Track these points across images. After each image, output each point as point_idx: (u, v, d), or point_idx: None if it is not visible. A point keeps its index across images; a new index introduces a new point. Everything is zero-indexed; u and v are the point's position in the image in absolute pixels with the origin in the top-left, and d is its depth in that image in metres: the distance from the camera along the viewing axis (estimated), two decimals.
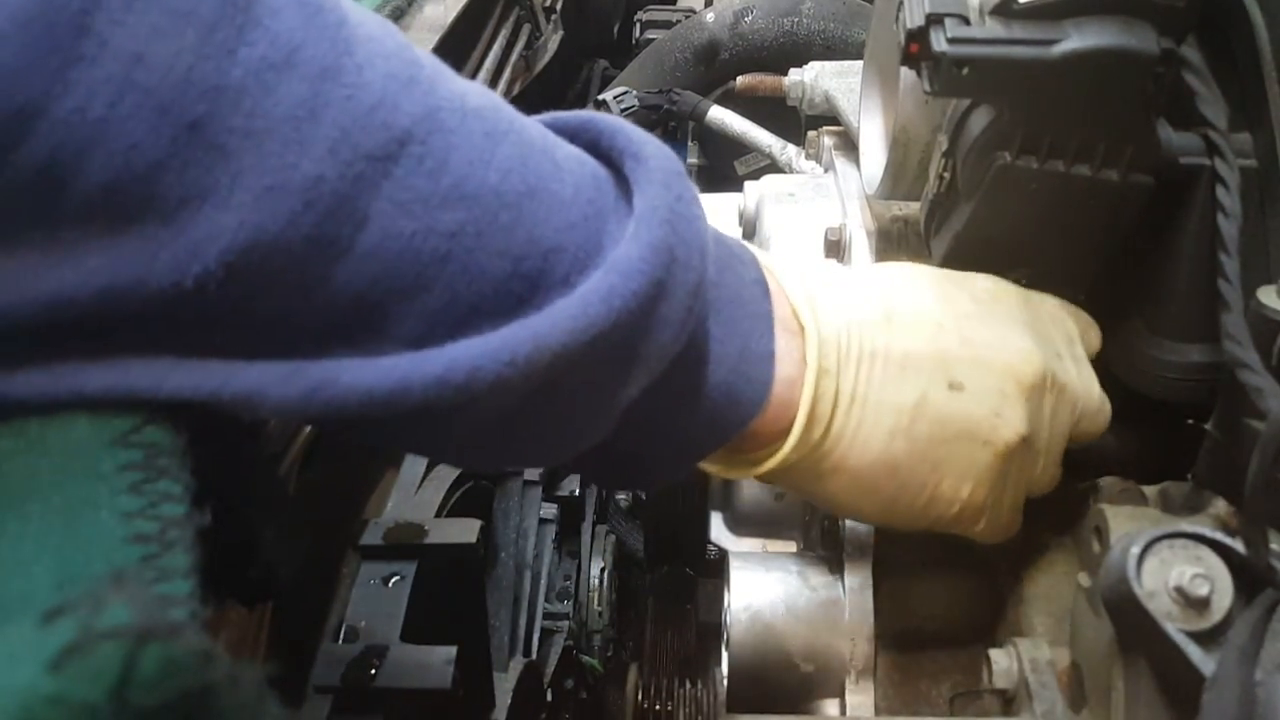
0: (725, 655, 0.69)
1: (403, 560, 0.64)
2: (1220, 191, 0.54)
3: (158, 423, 0.36)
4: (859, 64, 0.80)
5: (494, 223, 0.40)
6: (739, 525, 0.81)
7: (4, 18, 0.30)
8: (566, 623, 0.99)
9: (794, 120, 1.07)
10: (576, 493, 1.07)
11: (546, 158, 0.43)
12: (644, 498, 1.09)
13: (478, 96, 0.42)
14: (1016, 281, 0.61)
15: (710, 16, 1.32)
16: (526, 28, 1.33)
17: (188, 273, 0.34)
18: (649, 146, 0.46)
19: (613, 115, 0.48)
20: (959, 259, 0.62)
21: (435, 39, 0.93)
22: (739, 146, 1.22)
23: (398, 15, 0.92)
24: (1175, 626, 0.47)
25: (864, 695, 0.65)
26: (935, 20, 0.52)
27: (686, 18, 1.41)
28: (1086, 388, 0.60)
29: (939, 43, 0.52)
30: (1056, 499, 0.64)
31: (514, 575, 0.86)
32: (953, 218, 0.62)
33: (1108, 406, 0.61)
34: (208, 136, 0.34)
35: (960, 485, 0.56)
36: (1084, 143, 0.55)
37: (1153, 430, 0.66)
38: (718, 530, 0.83)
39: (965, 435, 0.55)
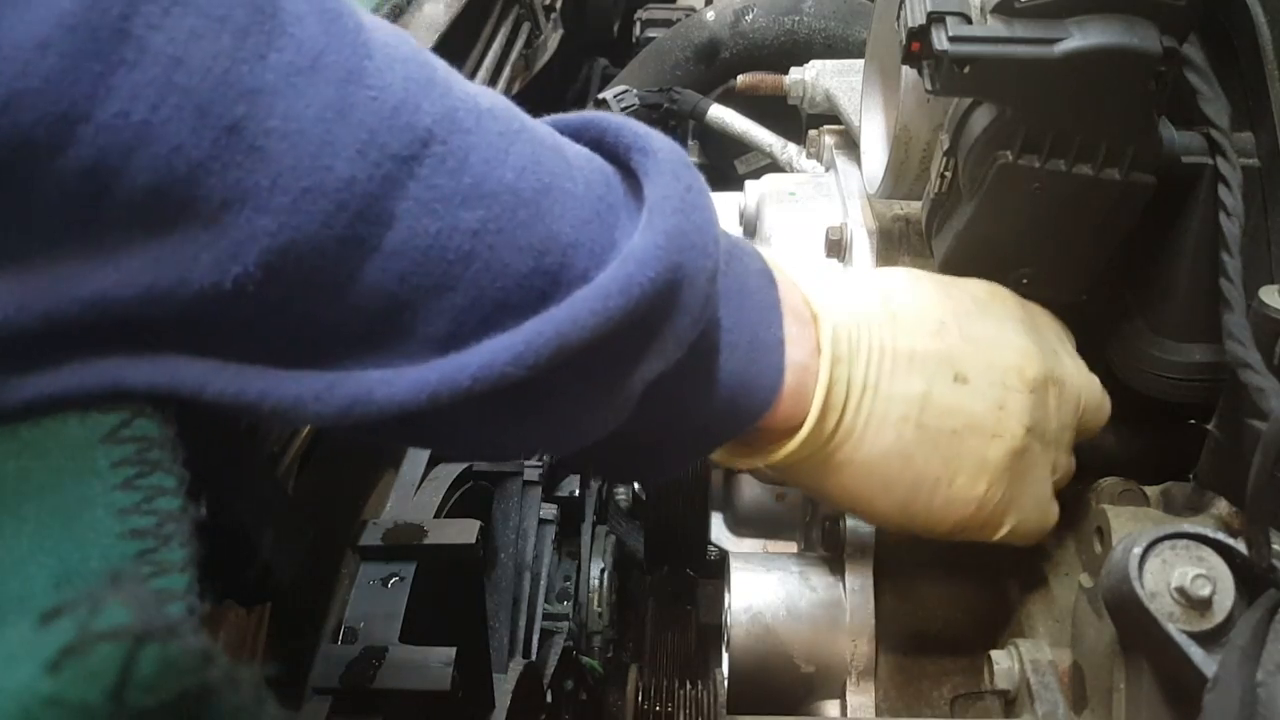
0: (726, 656, 0.69)
1: (402, 561, 0.64)
2: (1222, 191, 0.54)
3: (147, 415, 0.36)
4: (860, 63, 0.80)
5: (513, 219, 0.41)
6: (739, 526, 0.81)
7: (47, 24, 0.30)
8: (566, 624, 0.98)
9: (795, 119, 1.07)
10: (576, 493, 1.07)
11: (558, 155, 0.44)
12: (644, 498, 1.09)
13: (489, 97, 0.43)
14: (1018, 281, 0.61)
15: (711, 15, 1.32)
16: (526, 26, 1.33)
17: (227, 274, 0.35)
18: (655, 140, 0.46)
19: (614, 114, 0.49)
20: (960, 258, 0.62)
21: (435, 38, 0.92)
22: (739, 145, 1.21)
23: (397, 14, 0.92)
24: (1177, 627, 0.47)
25: (865, 696, 0.65)
26: (937, 19, 0.52)
27: (687, 16, 1.41)
28: (1087, 381, 0.61)
29: (940, 41, 0.52)
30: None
31: (513, 576, 0.86)
32: (954, 217, 0.62)
33: (1108, 399, 0.62)
34: (246, 139, 0.34)
35: (975, 482, 0.57)
36: (1086, 142, 0.54)
37: (1154, 431, 0.66)
38: (718, 531, 0.83)
39: (973, 428, 0.56)
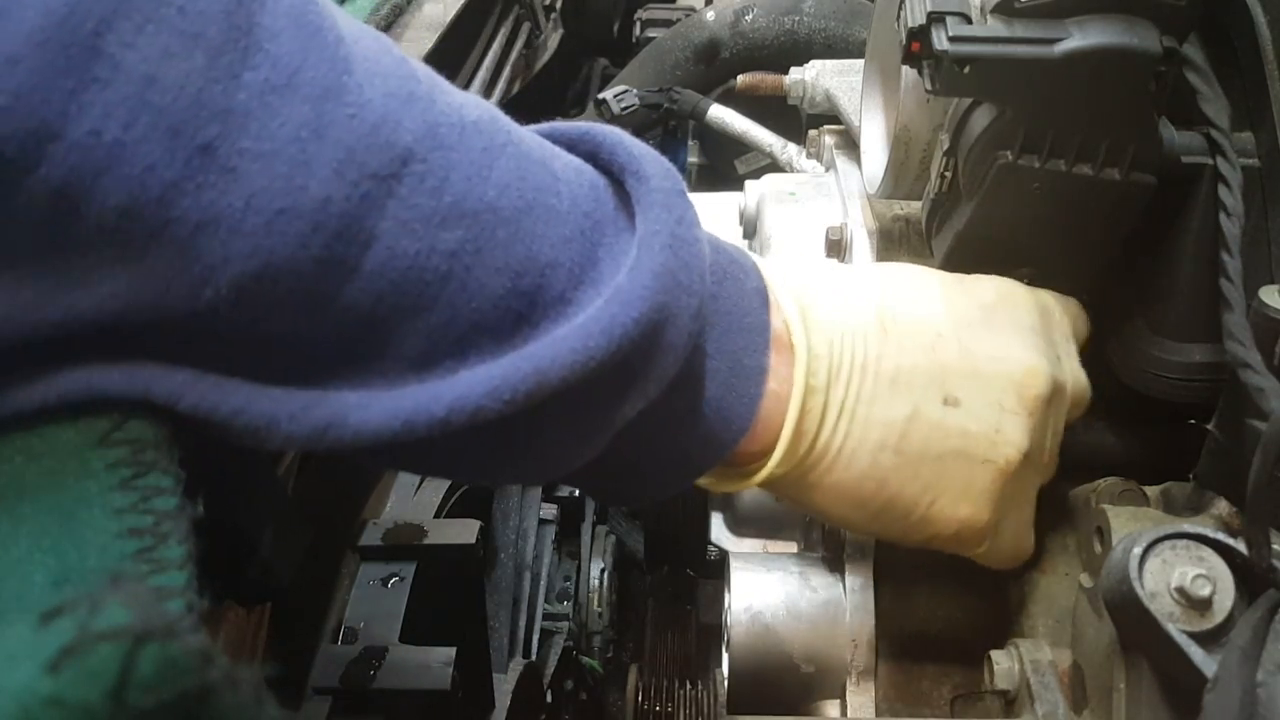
0: (726, 656, 0.69)
1: (402, 561, 0.64)
2: (1222, 191, 0.54)
3: (139, 417, 0.36)
4: (860, 62, 0.80)
5: (492, 240, 0.40)
6: (739, 526, 0.81)
7: (17, 40, 0.29)
8: (566, 624, 0.98)
9: (795, 119, 1.07)
10: (576, 494, 1.07)
11: (544, 170, 0.43)
12: None
13: (474, 109, 0.42)
14: (1018, 281, 0.61)
15: (710, 15, 1.32)
16: (526, 26, 1.33)
17: (200, 297, 0.34)
18: (649, 164, 0.45)
19: (612, 127, 0.48)
20: (960, 258, 0.62)
21: (434, 38, 0.92)
22: (739, 145, 1.21)
23: (397, 14, 0.92)
24: (1177, 627, 0.47)
25: (865, 696, 0.65)
26: (937, 19, 0.52)
27: (687, 16, 1.41)
28: (1076, 379, 0.59)
29: (940, 41, 0.52)
30: (1057, 499, 0.64)
31: (513, 576, 0.86)
32: (954, 217, 0.62)
33: (1089, 394, 0.60)
34: (219, 159, 0.33)
35: (957, 504, 0.55)
36: (1086, 142, 0.54)
37: (1154, 430, 0.66)
38: (718, 531, 0.83)
39: (960, 453, 0.54)
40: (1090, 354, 0.63)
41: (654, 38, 1.42)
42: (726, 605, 0.69)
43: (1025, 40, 0.51)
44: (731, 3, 1.31)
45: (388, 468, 0.74)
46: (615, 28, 1.76)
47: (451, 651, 0.58)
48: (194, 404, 0.37)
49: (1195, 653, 0.46)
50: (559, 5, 1.47)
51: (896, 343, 0.54)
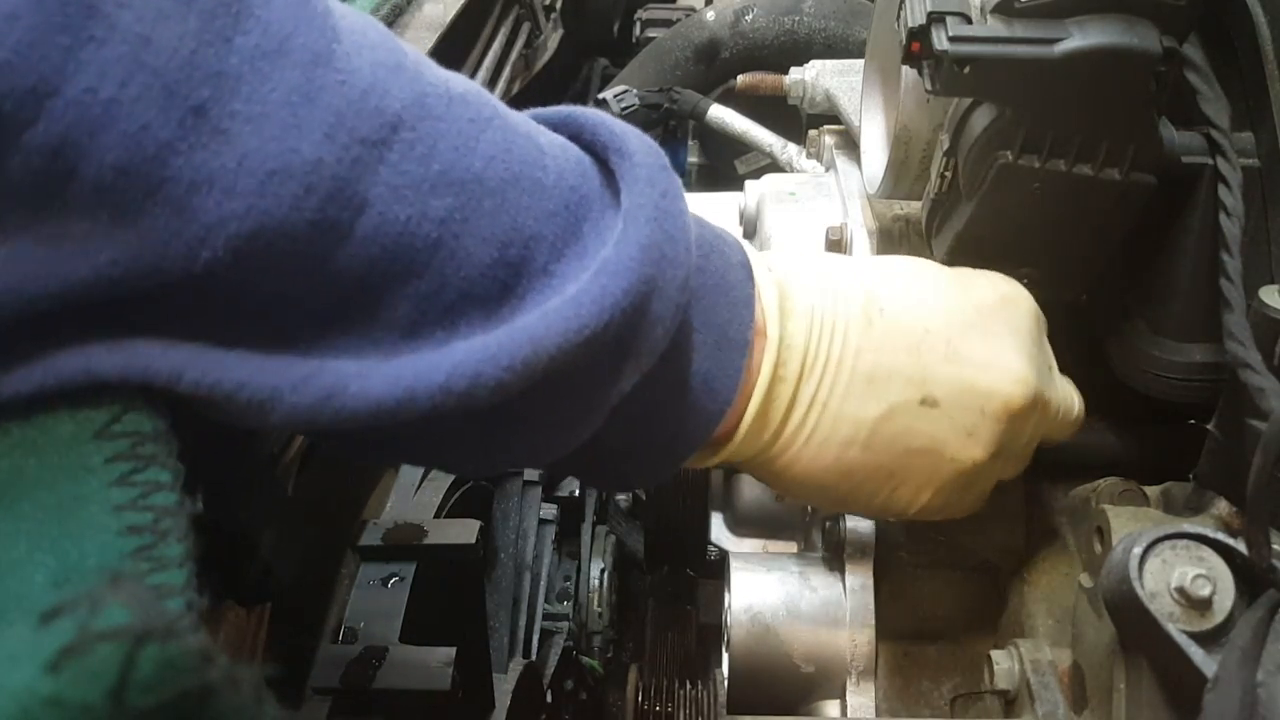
0: (726, 656, 0.69)
1: (402, 561, 0.64)
2: (1222, 190, 0.54)
3: (138, 408, 0.36)
4: (860, 62, 0.80)
5: (479, 209, 0.41)
6: (739, 526, 0.81)
7: None
8: (566, 624, 0.98)
9: (795, 119, 1.07)
10: (576, 493, 1.07)
11: (530, 144, 0.44)
12: (644, 498, 1.09)
13: (460, 84, 0.43)
14: (1019, 281, 0.61)
15: (710, 15, 1.32)
16: (526, 26, 1.33)
17: (197, 259, 0.35)
18: (632, 141, 0.46)
19: (594, 110, 0.48)
20: (960, 258, 0.61)
21: (434, 37, 0.92)
22: (740, 145, 1.21)
23: (397, 13, 0.92)
24: (1177, 627, 0.47)
25: (865, 696, 0.65)
26: (937, 19, 0.52)
27: (687, 16, 1.41)
28: (1066, 398, 0.59)
29: (940, 41, 0.52)
30: (1057, 499, 0.64)
31: (513, 576, 0.86)
32: (954, 217, 0.62)
33: (1081, 417, 0.61)
34: (212, 120, 0.34)
35: (918, 493, 0.56)
36: (1086, 142, 0.54)
37: (1154, 430, 0.66)
38: (718, 531, 0.83)
39: (929, 450, 0.55)
40: (1090, 354, 0.63)
41: (654, 38, 1.42)
42: (726, 605, 0.69)
43: (1025, 40, 0.51)
44: (731, 3, 1.31)
45: (385, 459, 0.74)
46: (615, 28, 1.76)
47: (451, 651, 0.58)
48: (196, 380, 0.37)
49: (1195, 653, 0.46)
50: (559, 5, 1.47)
51: (880, 338, 0.54)
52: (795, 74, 0.98)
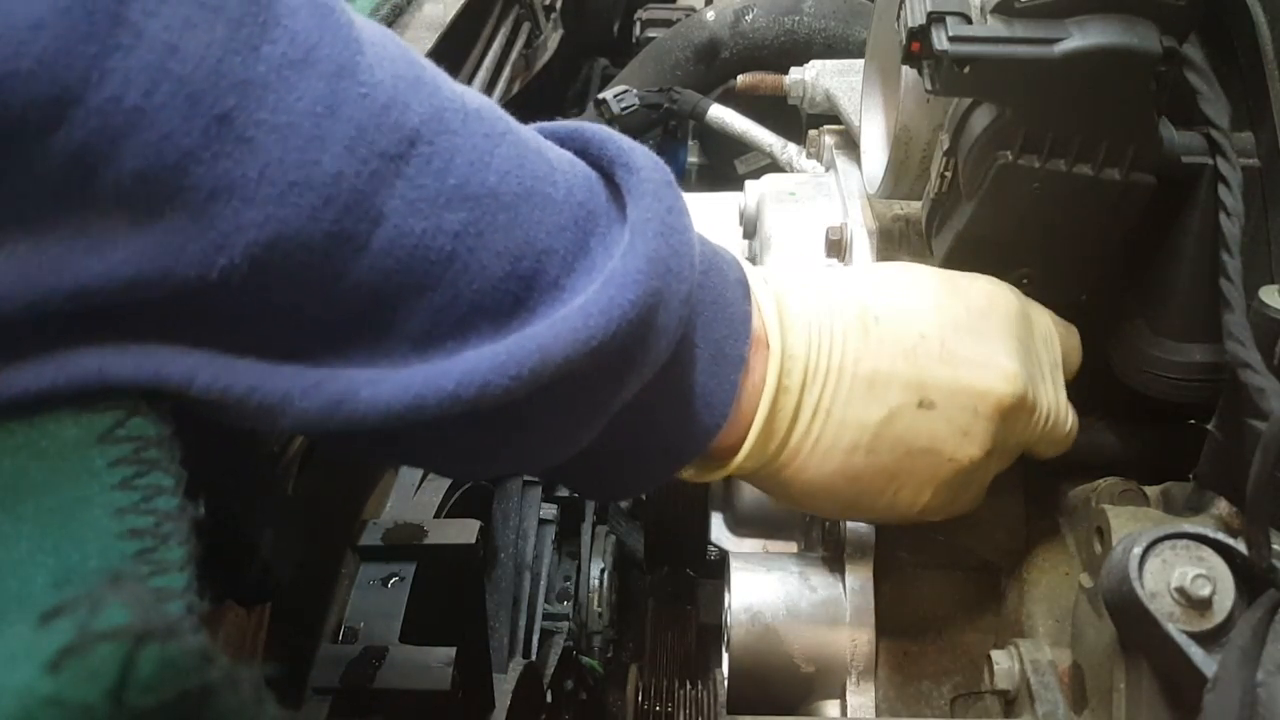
0: (726, 656, 0.69)
1: (402, 561, 0.64)
2: (1222, 190, 0.54)
3: (142, 414, 0.36)
4: (860, 62, 0.80)
5: (493, 224, 0.41)
6: (739, 526, 0.81)
7: (42, 5, 0.30)
8: (566, 624, 0.99)
9: (795, 119, 1.07)
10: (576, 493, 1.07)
11: (541, 159, 0.44)
12: (644, 498, 1.09)
13: (475, 99, 0.43)
14: (1018, 281, 0.61)
15: (711, 15, 1.32)
16: (526, 26, 1.32)
17: (213, 266, 0.35)
18: (638, 156, 0.47)
19: (600, 125, 0.49)
20: (960, 258, 0.62)
21: (434, 38, 0.92)
22: (739, 145, 1.21)
23: (397, 13, 0.91)
24: (1177, 627, 0.47)
25: (865, 696, 0.65)
26: (937, 19, 0.52)
27: (687, 16, 1.41)
28: (1058, 414, 0.60)
29: (940, 41, 0.52)
30: (1057, 499, 0.64)
31: (513, 576, 0.86)
32: (954, 217, 0.62)
33: (1074, 433, 0.61)
34: (236, 129, 0.34)
35: (919, 493, 0.57)
36: (1086, 142, 0.54)
37: (1154, 430, 0.66)
38: (718, 531, 0.83)
39: (928, 450, 0.56)
40: (1090, 354, 0.63)
41: (654, 38, 1.42)
42: (726, 605, 0.69)
43: (1025, 40, 0.51)
44: (731, 3, 1.31)
45: (391, 461, 0.74)
46: (615, 28, 1.76)
47: (451, 651, 0.58)
48: (207, 384, 0.37)
49: (1195, 653, 0.46)
50: (559, 5, 1.47)
51: (877, 344, 0.55)
52: (795, 74, 0.98)
